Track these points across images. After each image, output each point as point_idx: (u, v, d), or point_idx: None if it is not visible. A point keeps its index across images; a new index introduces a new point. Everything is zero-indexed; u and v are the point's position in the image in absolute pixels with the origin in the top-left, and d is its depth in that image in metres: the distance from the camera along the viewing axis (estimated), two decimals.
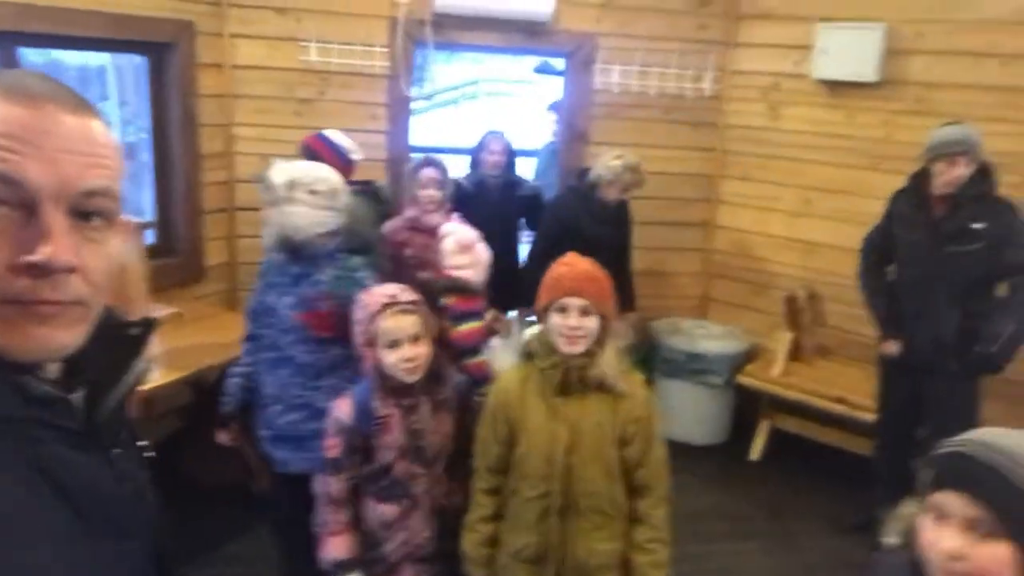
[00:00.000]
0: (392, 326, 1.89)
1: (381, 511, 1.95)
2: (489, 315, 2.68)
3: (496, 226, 3.24)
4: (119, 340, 0.81)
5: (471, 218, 3.33)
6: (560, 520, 1.84)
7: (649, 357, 4.04)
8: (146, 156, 3.58)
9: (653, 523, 1.86)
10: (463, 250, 2.40)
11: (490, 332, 2.60)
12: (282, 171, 2.21)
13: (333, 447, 1.94)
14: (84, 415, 0.77)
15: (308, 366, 2.24)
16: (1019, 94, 3.27)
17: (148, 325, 0.83)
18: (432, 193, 3.21)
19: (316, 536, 2.00)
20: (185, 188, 3.51)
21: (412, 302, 1.94)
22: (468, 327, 2.40)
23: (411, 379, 1.90)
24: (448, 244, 2.38)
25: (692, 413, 4.01)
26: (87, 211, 0.71)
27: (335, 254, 2.25)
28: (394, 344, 1.89)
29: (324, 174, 2.25)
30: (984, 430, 1.13)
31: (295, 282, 2.24)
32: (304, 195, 2.18)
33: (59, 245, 0.68)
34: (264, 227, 2.27)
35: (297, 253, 2.23)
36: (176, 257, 3.54)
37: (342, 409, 1.95)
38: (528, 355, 1.92)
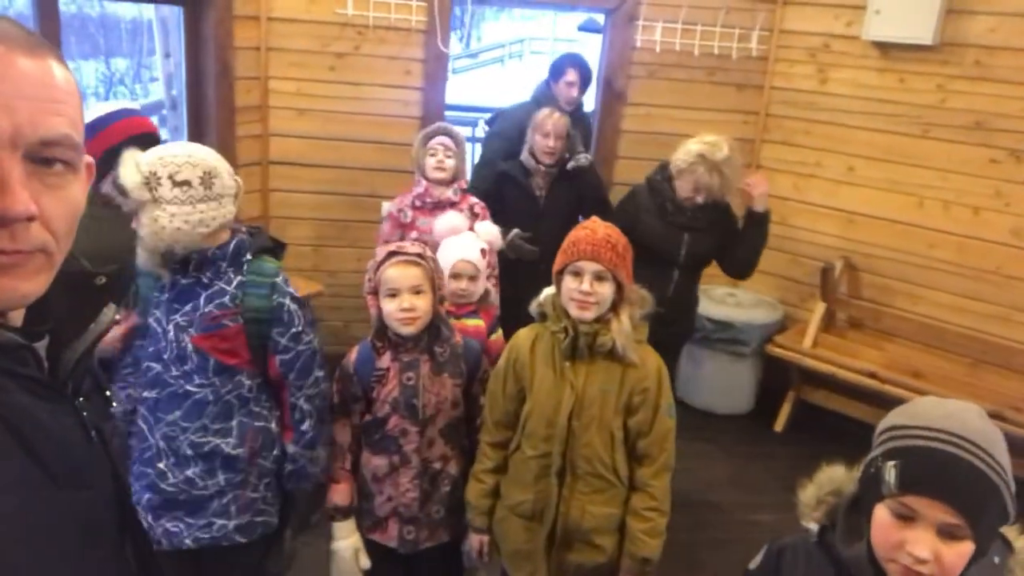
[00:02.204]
0: (394, 275, 1.89)
1: (373, 464, 1.98)
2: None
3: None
4: (85, 289, 0.81)
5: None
6: (558, 481, 1.85)
7: None
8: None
9: (652, 492, 1.85)
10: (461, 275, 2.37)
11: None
12: (132, 168, 1.66)
13: (337, 392, 1.99)
14: (48, 364, 0.77)
15: (208, 403, 1.78)
16: None
17: (114, 275, 0.83)
18: (442, 161, 2.95)
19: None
20: (219, 141, 3.53)
21: (419, 255, 1.93)
22: (472, 323, 2.41)
23: (406, 331, 1.90)
24: (447, 264, 2.33)
25: (718, 382, 3.95)
26: (46, 158, 0.69)
27: (238, 255, 1.78)
28: (394, 293, 1.89)
29: (188, 156, 1.70)
30: (945, 410, 1.09)
31: (186, 296, 1.76)
32: (169, 190, 1.66)
33: (15, 195, 0.66)
34: (138, 244, 1.73)
35: (187, 265, 1.75)
36: None
37: (350, 356, 1.98)
38: (542, 315, 1.90)
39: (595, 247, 1.79)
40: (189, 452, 1.80)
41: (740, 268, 3.00)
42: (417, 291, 1.89)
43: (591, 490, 1.85)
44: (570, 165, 3.22)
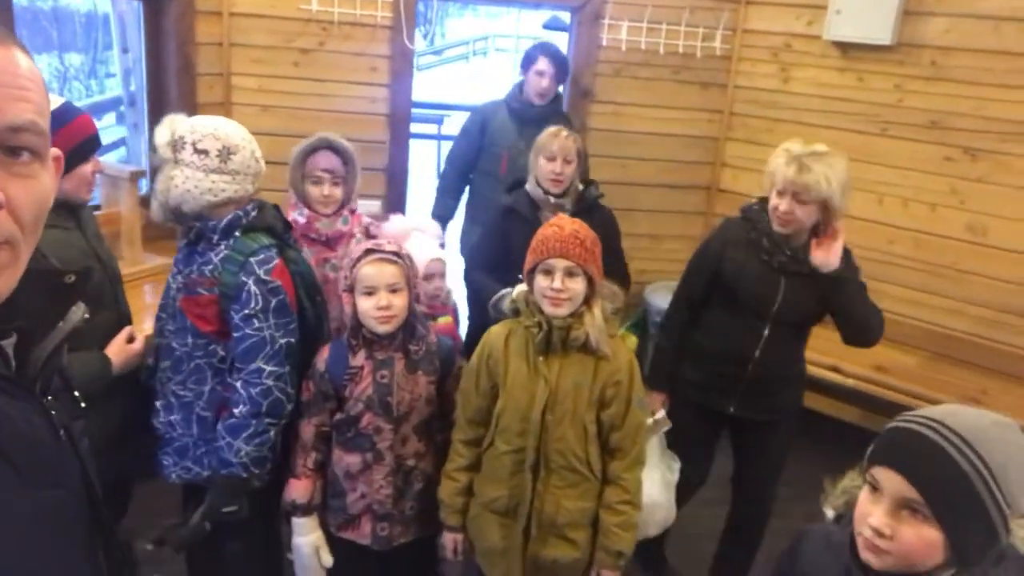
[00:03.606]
0: (371, 272, 1.88)
1: (346, 461, 1.98)
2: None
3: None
4: (54, 287, 0.79)
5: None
6: (532, 476, 1.86)
7: (644, 320, 4.01)
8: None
9: (625, 485, 1.87)
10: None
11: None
12: (166, 128, 1.84)
13: (305, 390, 1.97)
14: (16, 362, 0.75)
15: (185, 362, 1.91)
16: None
17: (84, 274, 0.81)
18: (329, 194, 2.49)
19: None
20: None
21: (395, 253, 1.92)
22: (444, 321, 2.41)
23: (383, 329, 1.89)
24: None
25: None
26: (13, 146, 0.68)
27: (231, 230, 1.85)
28: (370, 291, 1.88)
29: (214, 129, 1.83)
30: (952, 407, 1.09)
31: (187, 259, 1.90)
32: (191, 155, 1.80)
33: None
34: (152, 198, 1.89)
35: (189, 227, 1.88)
36: None
37: (321, 354, 1.96)
38: (515, 312, 1.91)
39: (564, 244, 1.80)
40: (173, 400, 1.95)
41: (855, 335, 2.31)
42: (394, 289, 1.88)
43: (565, 484, 1.86)
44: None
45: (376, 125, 3.77)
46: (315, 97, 3.71)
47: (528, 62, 3.45)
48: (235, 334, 1.84)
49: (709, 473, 2.65)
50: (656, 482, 2.41)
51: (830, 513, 1.26)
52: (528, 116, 3.43)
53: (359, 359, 1.94)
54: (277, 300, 1.83)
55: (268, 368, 1.83)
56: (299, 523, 1.99)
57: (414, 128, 4.18)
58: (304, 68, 3.66)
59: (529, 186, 2.77)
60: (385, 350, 1.94)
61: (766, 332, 2.34)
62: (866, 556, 1.10)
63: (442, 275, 2.40)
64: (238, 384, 1.85)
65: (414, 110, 3.98)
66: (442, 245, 2.50)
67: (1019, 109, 3.20)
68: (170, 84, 3.43)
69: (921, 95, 3.44)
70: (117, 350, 1.89)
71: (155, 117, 3.49)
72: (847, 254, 2.31)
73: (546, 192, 2.71)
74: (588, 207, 2.75)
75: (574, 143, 2.72)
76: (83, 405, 0.87)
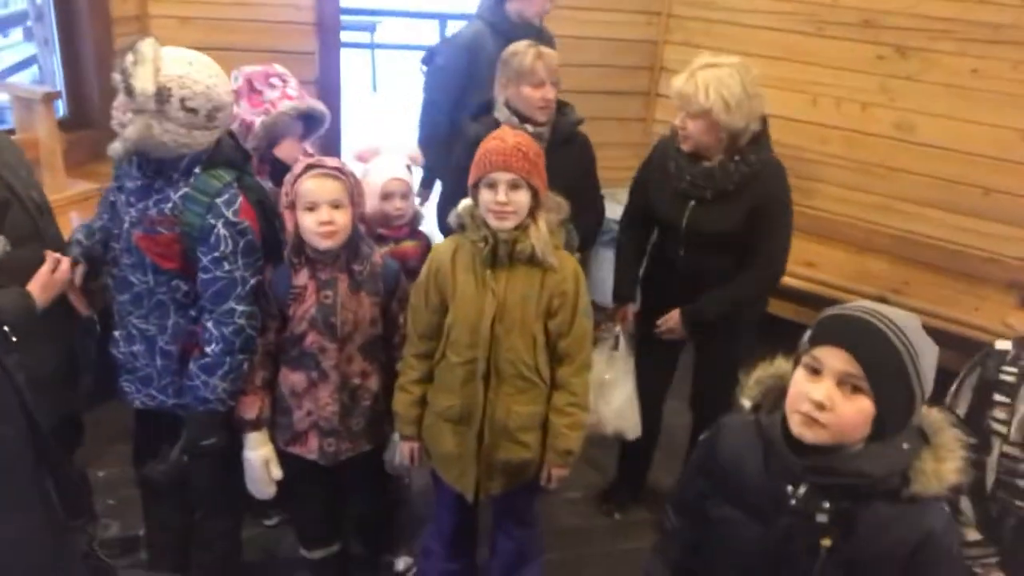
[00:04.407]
0: (312, 187, 1.85)
1: (291, 380, 1.99)
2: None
3: None
4: None
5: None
6: (484, 384, 1.91)
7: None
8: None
9: (572, 389, 1.94)
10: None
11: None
12: (150, 74, 1.67)
13: None
14: None
15: (145, 297, 1.88)
16: None
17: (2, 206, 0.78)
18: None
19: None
20: (95, 54, 3.27)
21: (337, 168, 1.89)
22: (410, 244, 2.37)
23: (324, 245, 1.88)
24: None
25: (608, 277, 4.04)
26: None
27: (192, 167, 1.80)
28: (312, 207, 1.85)
29: (207, 87, 1.73)
30: (865, 302, 1.23)
31: (143, 194, 1.82)
32: (177, 111, 1.70)
33: None
34: (118, 136, 1.79)
35: (149, 164, 1.81)
36: (91, 130, 3.34)
37: (266, 274, 1.94)
38: (461, 227, 1.92)
39: (506, 157, 1.80)
40: (134, 332, 1.92)
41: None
42: (336, 205, 1.86)
43: (516, 391, 1.92)
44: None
45: (303, 34, 3.62)
46: (237, 7, 3.53)
47: None
48: (204, 275, 1.82)
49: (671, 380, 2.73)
50: (628, 387, 2.55)
51: (747, 404, 1.34)
52: (519, 38, 2.90)
53: (302, 278, 1.93)
54: (245, 240, 1.82)
55: (240, 308, 1.84)
56: (251, 438, 2.00)
57: (345, 37, 4.02)
58: None
59: (500, 114, 2.43)
60: (328, 269, 1.93)
61: (681, 251, 2.40)
62: (800, 431, 1.19)
63: (403, 195, 2.34)
64: (209, 324, 1.84)
65: (344, 17, 3.82)
66: (411, 168, 2.39)
67: (949, 7, 3.25)
68: None
69: None
70: (42, 283, 1.79)
71: (65, 33, 3.28)
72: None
73: (524, 120, 2.40)
74: (567, 137, 2.50)
75: (556, 60, 2.43)
76: (14, 340, 0.85)
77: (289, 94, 2.28)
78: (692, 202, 2.33)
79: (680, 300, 2.44)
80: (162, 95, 1.68)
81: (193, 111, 1.72)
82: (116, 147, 1.79)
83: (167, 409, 1.97)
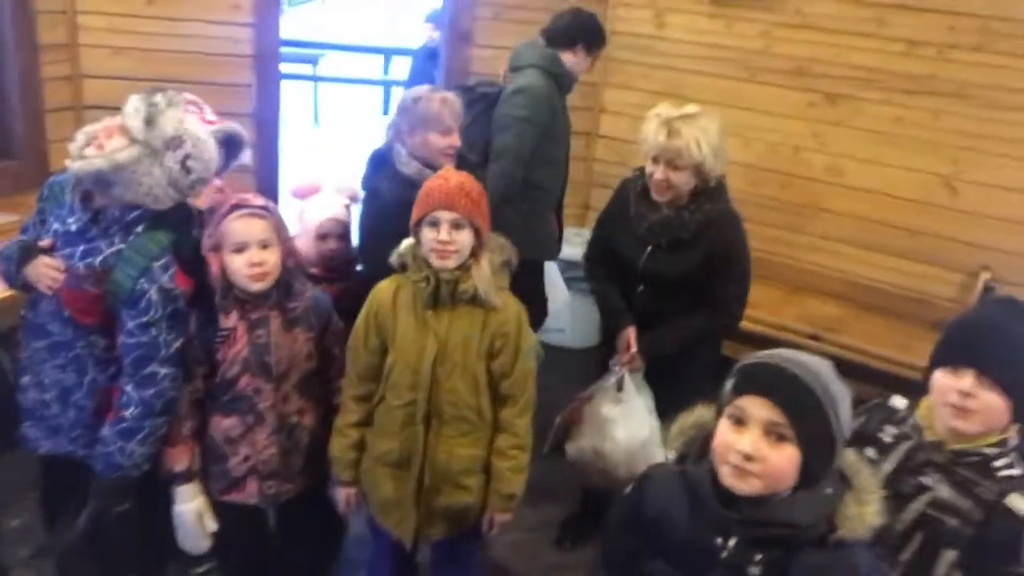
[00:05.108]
0: (239, 228, 1.80)
1: (224, 425, 1.92)
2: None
3: None
4: None
5: None
6: (424, 427, 1.87)
7: None
8: None
9: (515, 431, 1.92)
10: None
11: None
12: (175, 118, 1.66)
13: None
14: None
15: (64, 349, 1.79)
16: (889, 10, 3.35)
17: None
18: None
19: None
20: (21, 83, 3.14)
21: (263, 207, 1.85)
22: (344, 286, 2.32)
23: (256, 287, 1.83)
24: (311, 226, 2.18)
25: (567, 318, 4.06)
26: None
27: (136, 225, 1.73)
28: (240, 248, 1.80)
29: (211, 156, 1.73)
30: (789, 351, 1.25)
31: (71, 240, 1.73)
32: (175, 163, 1.67)
33: None
34: (77, 159, 1.66)
35: (90, 203, 1.72)
36: (14, 160, 3.19)
37: (189, 326, 1.86)
38: (402, 267, 1.88)
39: (449, 196, 1.79)
40: (46, 380, 1.84)
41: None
42: (265, 244, 1.81)
43: (457, 433, 1.88)
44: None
45: (240, 67, 3.55)
46: (171, 38, 3.44)
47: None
48: (127, 339, 1.74)
49: None
50: (635, 425, 2.44)
51: (671, 455, 1.34)
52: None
53: (231, 320, 1.86)
54: (175, 307, 1.76)
55: (163, 371, 1.76)
56: (182, 491, 1.92)
57: (286, 69, 3.97)
58: (159, 6, 3.38)
59: (407, 168, 2.30)
60: (259, 309, 1.87)
61: (639, 289, 2.44)
62: (732, 483, 1.19)
63: (339, 236, 2.28)
64: (129, 387, 1.76)
65: (285, 49, 3.77)
66: (349, 207, 2.33)
67: (873, 57, 3.40)
68: (4, 21, 3.08)
69: (787, 42, 3.58)
70: None
71: None
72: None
73: (429, 168, 2.24)
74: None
75: (459, 105, 2.36)
76: None
77: (206, 119, 2.22)
78: (649, 247, 2.37)
79: (638, 337, 2.45)
80: (174, 141, 1.66)
81: (187, 171, 1.69)
82: (78, 168, 1.65)
83: (77, 458, 1.87)
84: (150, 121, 1.64)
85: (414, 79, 4.72)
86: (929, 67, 3.30)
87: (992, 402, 1.41)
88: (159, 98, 1.66)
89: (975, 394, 1.41)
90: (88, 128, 1.71)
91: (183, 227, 1.82)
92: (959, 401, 1.42)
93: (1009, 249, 3.27)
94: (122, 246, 1.71)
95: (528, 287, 2.28)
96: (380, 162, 2.40)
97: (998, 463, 1.44)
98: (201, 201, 2.19)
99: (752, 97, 3.72)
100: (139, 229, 1.73)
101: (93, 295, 1.72)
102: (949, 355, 1.47)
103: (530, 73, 2.94)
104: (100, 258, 1.71)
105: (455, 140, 2.32)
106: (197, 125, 1.71)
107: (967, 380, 1.42)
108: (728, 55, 3.76)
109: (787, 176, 3.74)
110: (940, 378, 1.47)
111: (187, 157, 1.68)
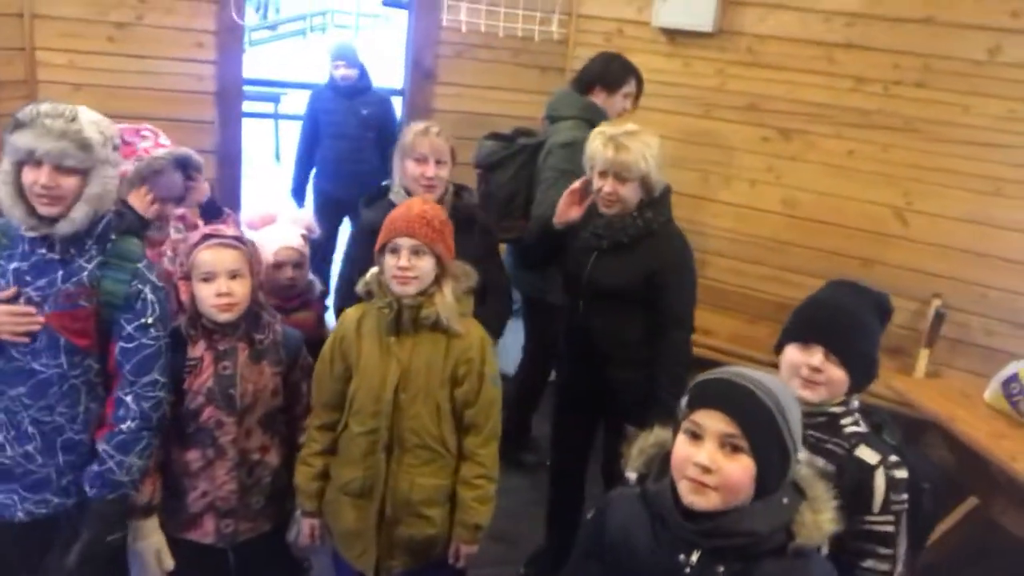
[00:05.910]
0: (209, 258, 1.80)
1: (185, 458, 1.88)
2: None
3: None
4: None
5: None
6: (386, 456, 1.86)
7: None
8: None
9: (480, 460, 1.91)
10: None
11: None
12: (94, 125, 1.63)
13: None
14: None
15: (55, 384, 1.69)
16: (835, 49, 3.49)
17: None
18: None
19: None
20: None
21: (236, 238, 1.85)
22: (302, 316, 2.31)
23: (223, 318, 1.81)
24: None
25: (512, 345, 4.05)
26: None
27: (106, 234, 1.71)
28: (208, 277, 1.79)
29: (109, 120, 1.71)
30: (734, 367, 1.29)
31: (43, 270, 1.66)
32: (113, 151, 1.68)
33: None
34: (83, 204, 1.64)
35: (49, 240, 1.65)
36: None
37: None
38: (368, 294, 1.90)
39: (410, 223, 1.81)
40: (30, 429, 1.72)
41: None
42: (234, 275, 1.80)
43: (420, 462, 1.87)
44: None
45: (202, 104, 3.56)
46: (134, 75, 3.46)
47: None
48: (126, 344, 1.71)
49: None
50: None
51: (632, 476, 1.35)
52: None
53: (198, 350, 1.85)
54: (164, 308, 1.77)
55: (161, 379, 1.74)
56: (141, 526, 1.86)
57: (249, 107, 3.99)
58: (121, 44, 3.40)
59: (396, 196, 2.37)
60: (227, 340, 1.85)
61: (581, 306, 2.46)
62: (691, 499, 1.21)
63: (296, 265, 2.28)
64: (128, 398, 1.71)
65: (247, 87, 3.80)
66: (307, 238, 2.34)
67: (822, 93, 3.52)
68: None
69: (740, 79, 3.70)
70: None
71: None
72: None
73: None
74: (466, 219, 2.38)
75: (446, 141, 2.37)
76: None
77: (162, 143, 2.23)
78: (595, 253, 2.41)
79: (581, 361, 2.51)
80: (109, 141, 1.67)
81: (116, 148, 1.70)
82: (79, 217, 1.62)
83: (59, 515, 1.78)
84: (85, 146, 1.61)
85: (309, 119, 4.45)
86: (876, 103, 3.43)
87: (836, 376, 1.60)
88: (67, 115, 1.60)
89: (823, 368, 1.59)
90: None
91: (139, 231, 1.85)
92: (809, 375, 1.60)
93: (959, 277, 3.38)
94: (103, 258, 1.70)
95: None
96: (377, 195, 2.50)
97: (845, 420, 1.63)
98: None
99: (708, 133, 3.83)
100: (113, 236, 1.73)
101: (88, 311, 1.68)
102: (801, 333, 1.65)
103: (572, 125, 3.09)
104: (86, 274, 1.68)
105: (428, 170, 2.33)
106: (99, 117, 1.69)
107: (817, 357, 1.60)
108: (685, 92, 3.87)
109: (744, 208, 3.83)
110: (791, 353, 1.65)
111: (113, 138, 1.70)
